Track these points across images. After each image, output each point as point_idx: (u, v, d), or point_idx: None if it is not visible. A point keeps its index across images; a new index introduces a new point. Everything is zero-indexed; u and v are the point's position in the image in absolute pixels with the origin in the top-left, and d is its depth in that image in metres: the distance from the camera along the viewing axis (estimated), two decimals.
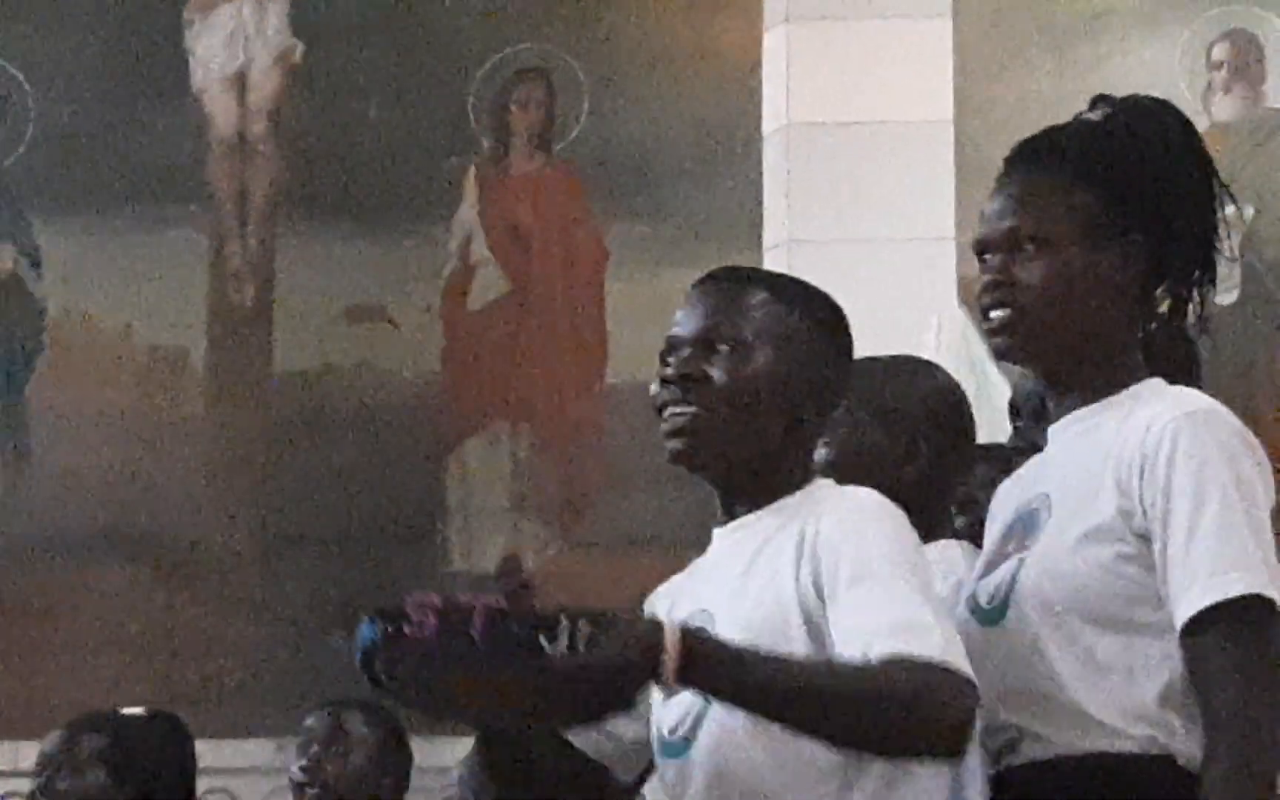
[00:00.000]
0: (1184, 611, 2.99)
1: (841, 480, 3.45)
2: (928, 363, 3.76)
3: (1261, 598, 2.97)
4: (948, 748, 2.97)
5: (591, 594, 9.12)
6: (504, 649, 2.95)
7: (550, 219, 9.82)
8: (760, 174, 9.44)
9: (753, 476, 3.24)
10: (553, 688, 2.93)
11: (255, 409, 9.70)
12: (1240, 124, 9.59)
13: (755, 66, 9.58)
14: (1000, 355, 3.33)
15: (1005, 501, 3.30)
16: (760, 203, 9.40)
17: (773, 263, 9.16)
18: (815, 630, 3.06)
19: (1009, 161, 3.31)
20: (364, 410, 9.63)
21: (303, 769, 5.55)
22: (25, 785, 6.03)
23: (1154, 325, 3.26)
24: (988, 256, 3.26)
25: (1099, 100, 3.32)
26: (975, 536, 3.60)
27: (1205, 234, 3.28)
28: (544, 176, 9.87)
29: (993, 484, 3.52)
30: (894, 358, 3.84)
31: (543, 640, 2.92)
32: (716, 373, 3.22)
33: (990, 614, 3.20)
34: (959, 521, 3.88)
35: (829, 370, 3.29)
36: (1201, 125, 9.75)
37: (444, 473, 9.65)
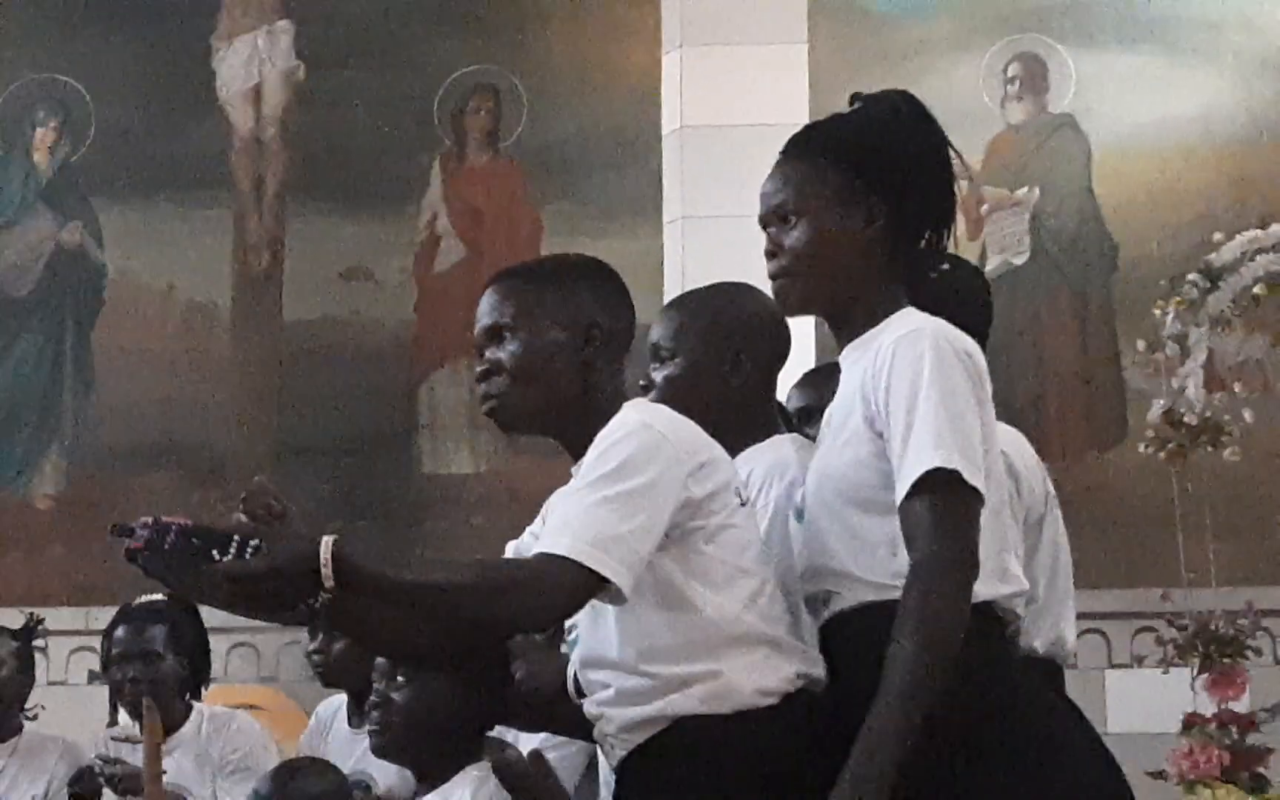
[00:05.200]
0: (900, 490, 2.98)
1: (679, 391, 3.42)
2: (749, 287, 3.64)
3: (947, 471, 2.94)
4: (535, 619, 3.01)
5: (530, 490, 9.15)
6: (185, 559, 2.89)
7: (498, 201, 9.80)
8: (660, 165, 9.45)
9: (569, 423, 3.16)
10: (226, 589, 2.88)
11: (269, 349, 9.67)
12: (1029, 125, 9.60)
13: (656, 82, 9.58)
14: (784, 307, 3.29)
15: (825, 421, 3.27)
16: (660, 188, 9.41)
17: (670, 236, 9.20)
18: None
19: (782, 151, 3.27)
20: (355, 350, 9.60)
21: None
22: (93, 642, 5.97)
23: (934, 273, 3.29)
24: (767, 230, 3.24)
25: (855, 97, 3.28)
26: None
27: (939, 194, 3.22)
28: (493, 168, 9.84)
29: None
30: (716, 286, 3.75)
31: (214, 553, 2.86)
32: (505, 356, 3.16)
33: (799, 513, 3.20)
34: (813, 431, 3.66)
35: (603, 319, 3.18)
36: (999, 127, 9.98)
37: (417, 398, 9.63)
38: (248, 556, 2.86)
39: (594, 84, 9.77)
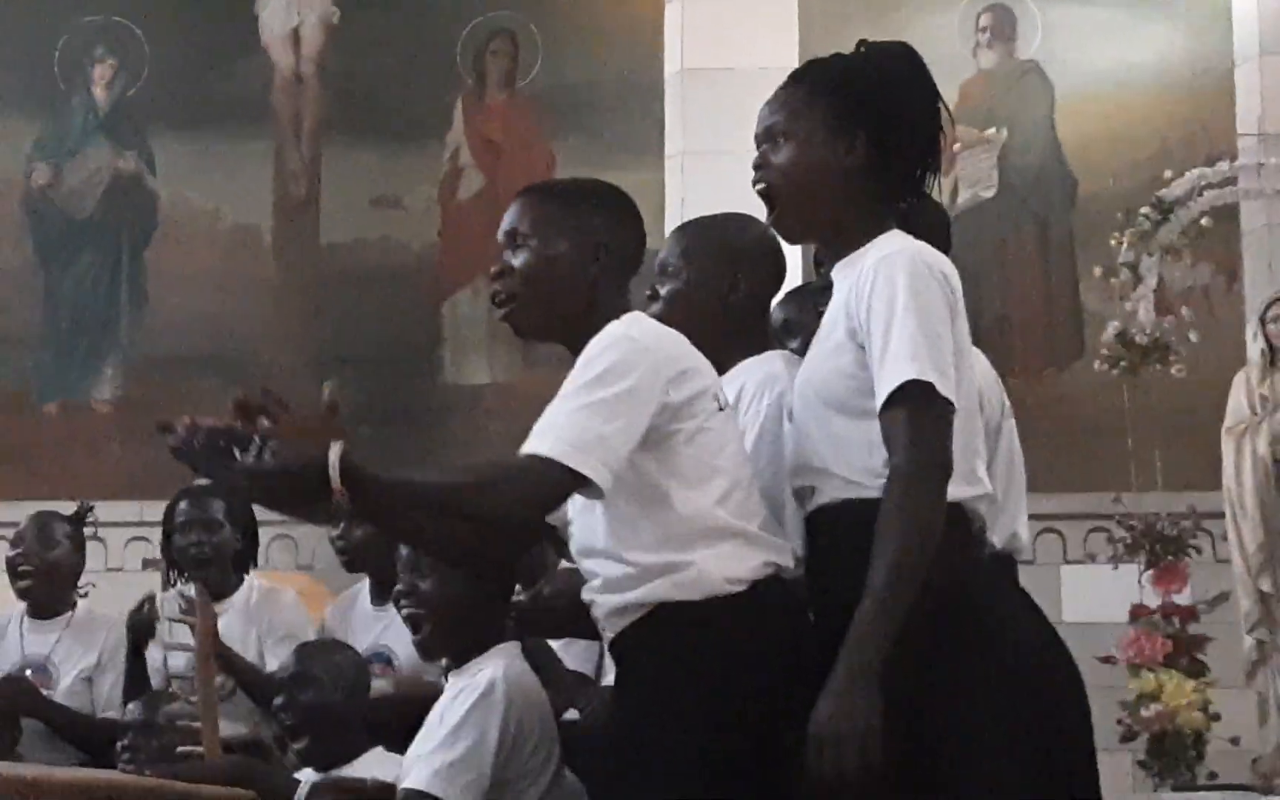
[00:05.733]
0: (879, 399, 2.95)
1: (681, 306, 3.41)
2: (752, 217, 3.60)
3: (923, 383, 2.93)
4: (518, 515, 3.00)
5: (542, 399, 9.18)
6: (213, 455, 2.89)
7: (515, 136, 9.80)
8: (663, 104, 9.46)
9: (573, 331, 3.13)
10: (247, 484, 2.89)
11: (307, 270, 9.69)
12: (998, 71, 9.61)
13: (659, 28, 9.58)
14: (774, 227, 3.24)
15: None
16: (663, 125, 9.42)
17: (671, 169, 9.21)
18: None
19: (784, 81, 3.23)
20: (384, 270, 9.62)
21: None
22: (147, 532, 5.95)
23: (908, 201, 3.26)
24: (760, 148, 3.20)
25: (861, 43, 3.23)
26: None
27: (924, 139, 3.18)
28: (510, 106, 9.83)
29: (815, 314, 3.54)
30: (723, 214, 3.73)
31: (236, 452, 2.87)
32: (518, 261, 3.14)
33: (790, 413, 3.19)
34: (794, 344, 3.70)
35: (611, 239, 3.16)
36: (971, 71, 9.96)
37: (441, 314, 9.65)
38: (265, 457, 2.87)
39: (603, 30, 9.76)
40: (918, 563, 2.88)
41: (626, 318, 3.13)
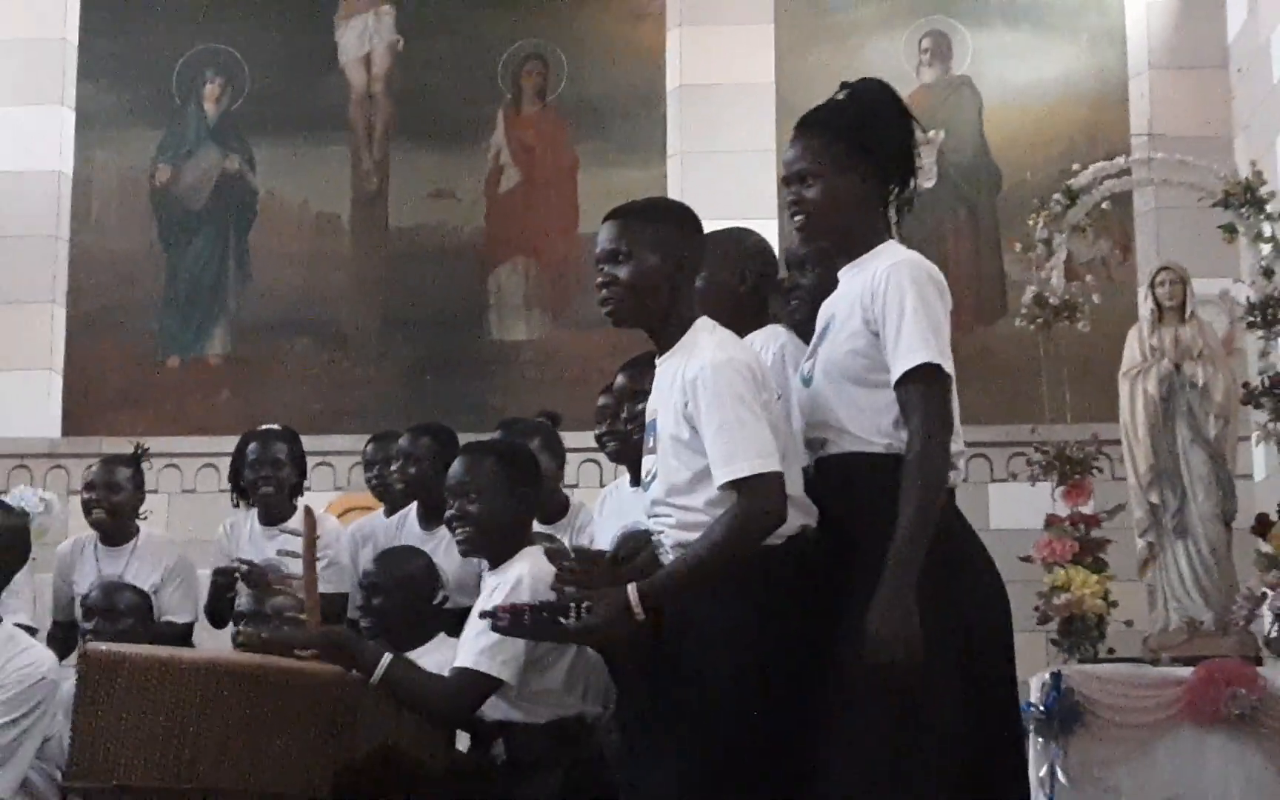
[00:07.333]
0: (895, 374, 3.08)
1: (705, 298, 3.46)
2: (750, 229, 3.87)
3: (933, 365, 3.05)
4: (776, 522, 3.02)
5: (569, 353, 9.24)
6: (543, 627, 3.03)
7: (545, 139, 9.77)
8: (665, 114, 9.45)
9: (658, 325, 3.23)
10: (579, 641, 3.16)
11: (378, 249, 9.68)
12: (936, 85, 9.60)
13: (662, 51, 9.57)
14: (803, 241, 3.41)
15: (821, 316, 3.34)
16: (665, 130, 9.41)
17: (672, 167, 9.23)
18: (693, 437, 3.09)
19: (796, 126, 3.32)
20: (441, 249, 9.60)
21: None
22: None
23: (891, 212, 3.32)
24: (790, 187, 3.29)
25: (843, 85, 3.32)
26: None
27: (905, 156, 3.28)
28: (542, 116, 9.80)
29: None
30: (729, 228, 3.89)
31: (560, 619, 2.99)
32: (622, 273, 3.21)
33: (806, 380, 3.28)
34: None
35: (688, 251, 3.25)
36: (914, 85, 9.90)
37: (487, 285, 9.62)
38: (583, 615, 2.97)
39: (616, 53, 9.73)
40: (936, 500, 3.02)
41: (707, 331, 3.21)
